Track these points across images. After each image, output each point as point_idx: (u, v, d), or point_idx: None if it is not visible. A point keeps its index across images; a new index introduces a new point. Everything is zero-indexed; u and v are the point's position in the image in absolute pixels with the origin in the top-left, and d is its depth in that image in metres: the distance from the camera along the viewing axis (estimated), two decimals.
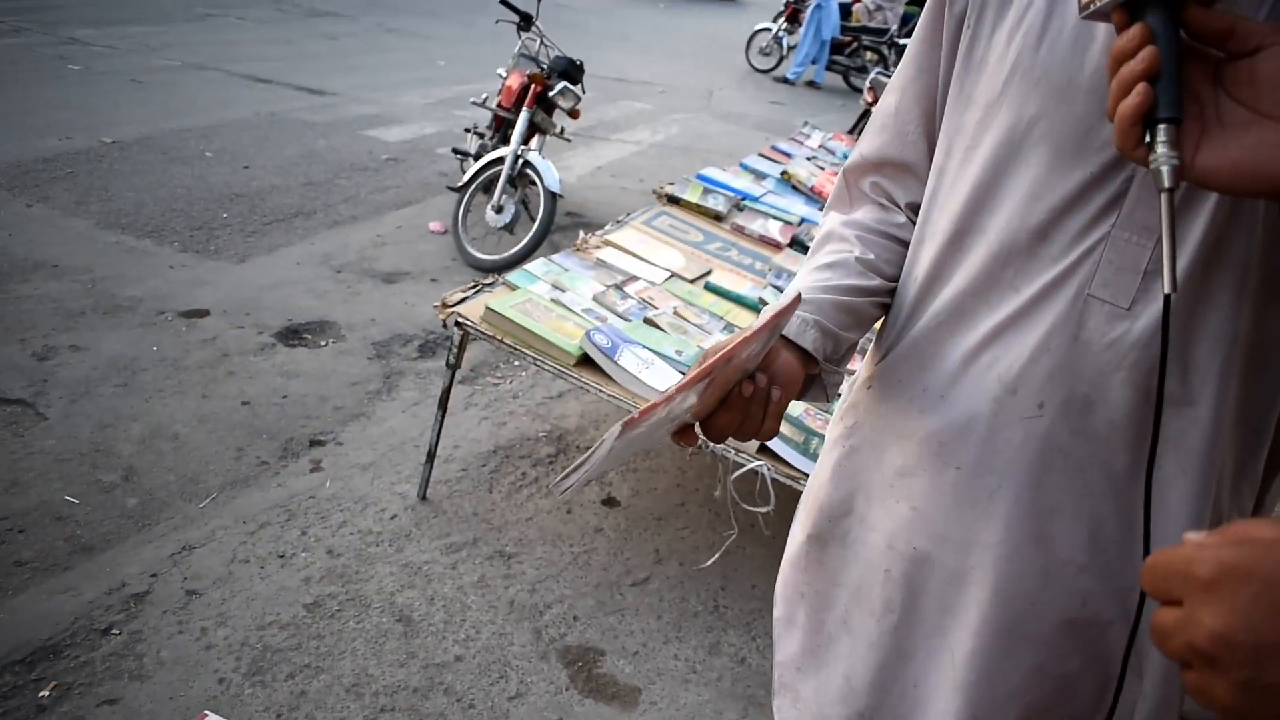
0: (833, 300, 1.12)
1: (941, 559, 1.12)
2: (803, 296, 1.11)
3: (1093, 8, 0.84)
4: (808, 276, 1.17)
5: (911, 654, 1.17)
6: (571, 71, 5.42)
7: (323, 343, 4.00)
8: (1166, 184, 0.78)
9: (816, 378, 1.13)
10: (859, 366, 1.28)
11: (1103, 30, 0.97)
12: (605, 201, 6.51)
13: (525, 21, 5.65)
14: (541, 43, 5.66)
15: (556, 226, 5.16)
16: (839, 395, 1.27)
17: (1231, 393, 1.01)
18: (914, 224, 1.20)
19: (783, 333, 1.07)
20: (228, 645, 2.37)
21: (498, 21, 6.01)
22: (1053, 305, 1.02)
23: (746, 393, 0.98)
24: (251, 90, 7.80)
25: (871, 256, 1.17)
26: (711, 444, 1.06)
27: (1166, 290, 0.79)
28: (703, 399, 0.94)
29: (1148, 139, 0.79)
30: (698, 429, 1.02)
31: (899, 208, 1.23)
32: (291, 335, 4.00)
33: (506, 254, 4.95)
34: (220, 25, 10.26)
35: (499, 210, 5.09)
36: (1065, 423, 1.02)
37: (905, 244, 1.20)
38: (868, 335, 1.30)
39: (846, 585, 1.23)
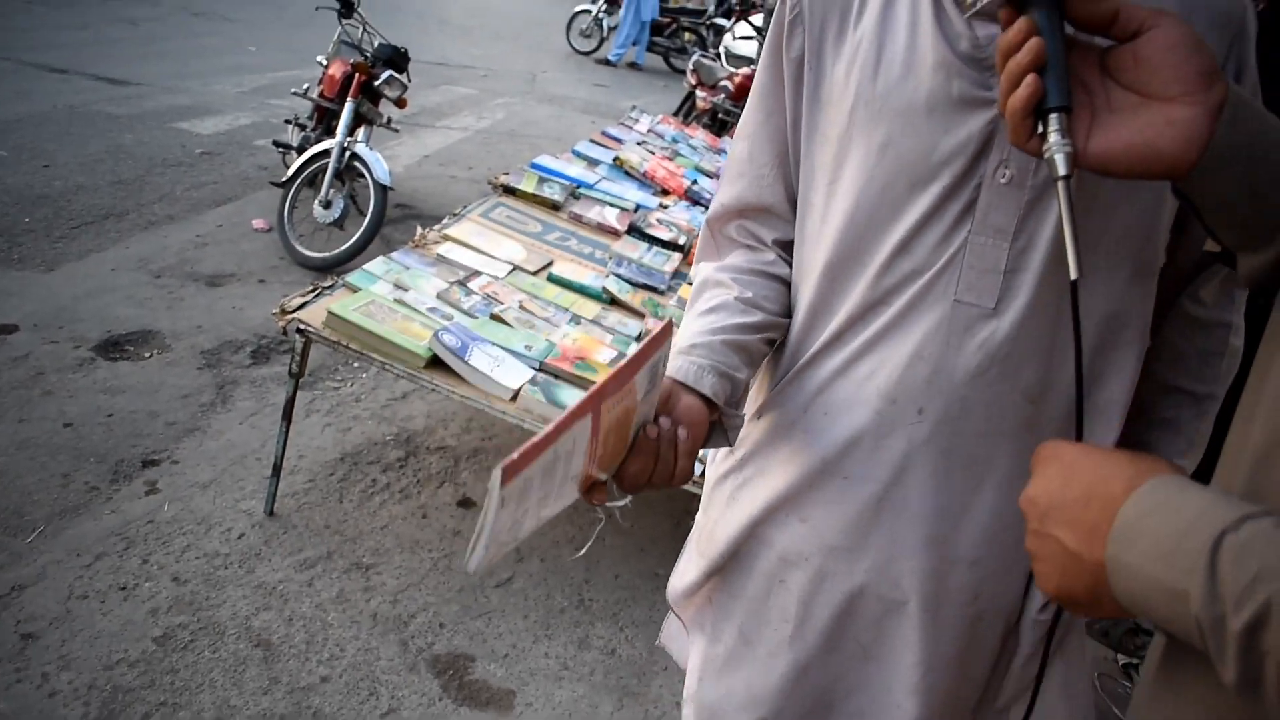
0: (723, 340, 1.14)
1: (833, 568, 1.16)
2: (694, 343, 1.13)
3: (977, 6, 0.87)
4: (693, 324, 1.19)
5: (808, 665, 1.20)
6: (397, 59, 5.28)
7: (147, 354, 3.79)
8: (1062, 172, 0.81)
9: (718, 423, 1.13)
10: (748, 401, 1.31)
11: (929, 54, 1.03)
12: (435, 191, 6.38)
13: (346, 8, 5.46)
14: (364, 30, 5.49)
15: (387, 219, 5.01)
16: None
17: (1096, 373, 1.10)
18: (784, 260, 1.25)
19: (680, 379, 1.08)
20: (74, 690, 2.22)
21: (318, 8, 5.79)
22: (923, 314, 1.07)
23: (651, 435, 0.99)
24: (47, 81, 7.28)
25: (750, 294, 1.20)
26: (628, 496, 1.06)
27: (1073, 276, 0.82)
28: (609, 451, 0.93)
29: (1040, 129, 0.82)
30: (611, 483, 1.01)
31: (767, 246, 1.26)
32: (112, 348, 3.77)
33: (337, 250, 4.80)
34: (5, 9, 9.53)
35: (327, 205, 4.92)
36: (946, 425, 1.08)
37: (779, 279, 1.24)
38: None
39: (744, 598, 1.26)
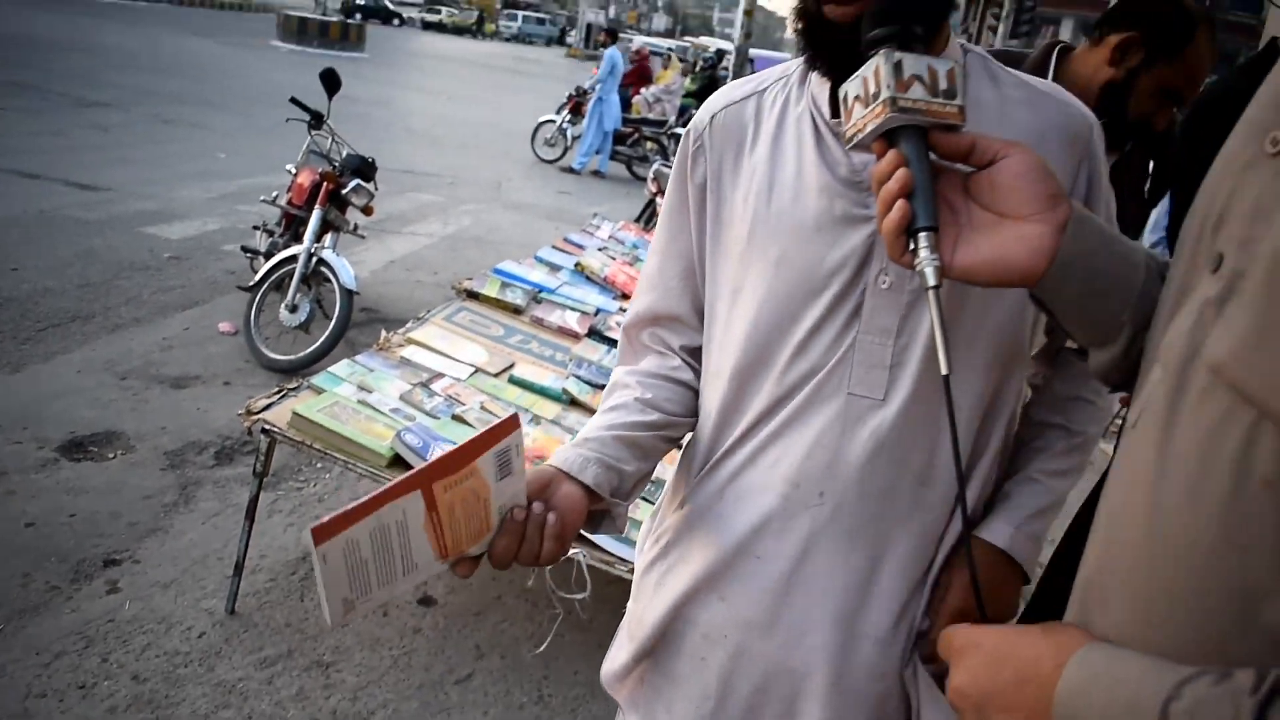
0: (614, 436, 1.26)
1: (750, 645, 1.26)
2: (587, 437, 1.25)
3: (857, 139, 1.00)
4: (594, 421, 1.31)
5: None
6: (365, 169, 5.45)
7: (110, 455, 3.83)
8: (931, 283, 0.92)
9: (607, 512, 1.24)
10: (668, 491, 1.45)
11: (814, 179, 1.20)
12: (400, 296, 6.51)
13: (316, 120, 5.65)
14: (333, 140, 5.66)
15: (352, 323, 5.12)
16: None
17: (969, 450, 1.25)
18: (689, 365, 1.39)
19: (564, 469, 1.19)
20: None
21: (288, 120, 5.96)
22: (821, 407, 1.21)
23: (518, 518, 1.08)
24: (18, 186, 7.40)
25: (650, 396, 1.34)
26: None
27: (944, 372, 0.93)
28: (466, 529, 1.03)
29: (912, 246, 0.94)
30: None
31: (674, 352, 1.40)
32: (76, 448, 3.81)
33: (302, 353, 4.89)
34: None
35: (293, 309, 5.03)
36: (845, 507, 1.20)
37: (682, 383, 1.38)
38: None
39: (673, 677, 1.35)
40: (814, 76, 1.24)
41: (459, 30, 53.59)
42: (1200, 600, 0.70)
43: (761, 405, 1.25)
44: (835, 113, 1.16)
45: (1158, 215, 5.61)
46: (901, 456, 1.19)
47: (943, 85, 0.95)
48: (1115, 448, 0.86)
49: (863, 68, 0.99)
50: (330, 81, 5.48)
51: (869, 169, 1.14)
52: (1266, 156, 0.72)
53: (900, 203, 0.93)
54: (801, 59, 1.25)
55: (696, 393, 1.38)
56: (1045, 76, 2.32)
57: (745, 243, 1.26)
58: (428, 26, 52.29)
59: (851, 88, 1.00)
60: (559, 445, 3.03)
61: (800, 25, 1.17)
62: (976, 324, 1.18)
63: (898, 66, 0.95)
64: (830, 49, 1.15)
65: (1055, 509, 1.32)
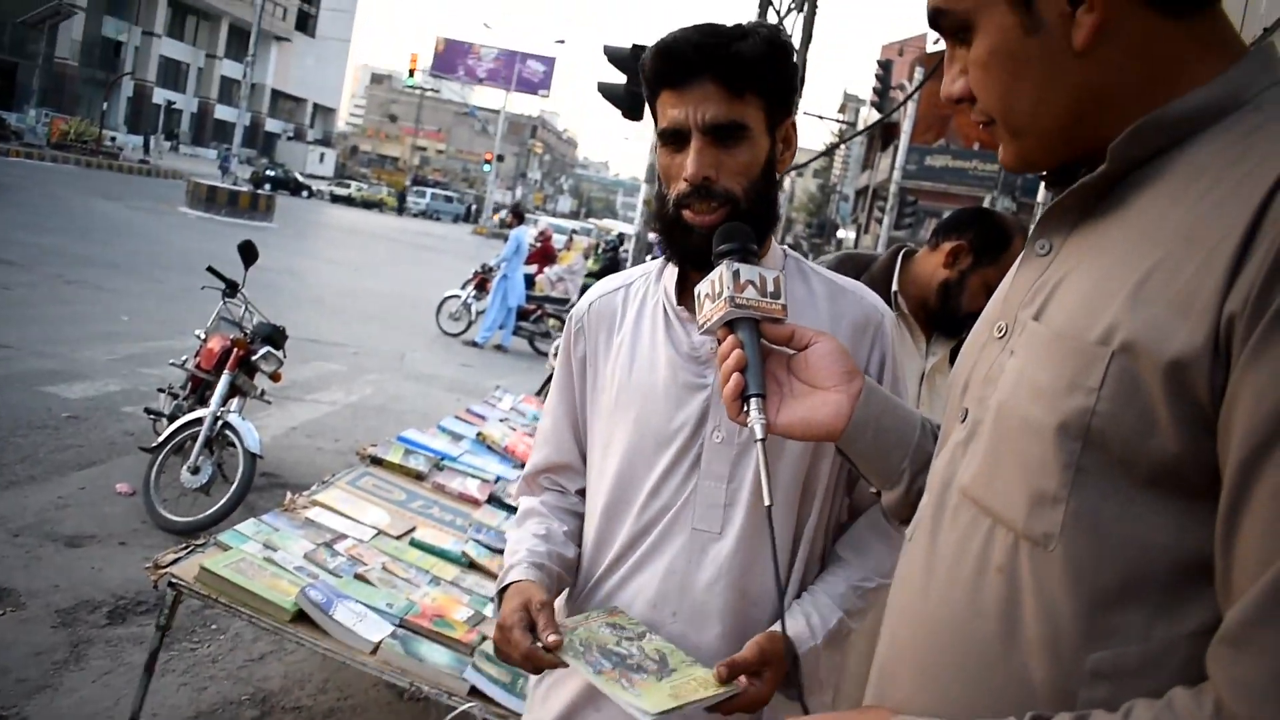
0: (557, 570, 1.59)
1: None
2: (543, 562, 1.56)
3: (707, 326, 1.32)
4: (524, 541, 1.61)
5: None
6: (275, 337, 5.63)
7: (0, 611, 3.80)
8: (759, 436, 1.21)
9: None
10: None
11: (663, 353, 1.56)
12: (301, 461, 6.58)
13: (231, 288, 5.85)
14: (246, 308, 5.84)
15: (253, 487, 5.19)
16: None
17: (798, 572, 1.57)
18: (582, 502, 1.72)
19: (512, 579, 1.51)
20: None
21: (204, 288, 6.14)
22: (672, 541, 1.52)
23: None
24: None
25: (566, 528, 1.67)
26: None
27: (767, 504, 1.21)
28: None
29: (745, 409, 1.22)
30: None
31: (571, 493, 1.74)
32: None
33: (201, 516, 4.94)
34: None
35: (195, 471, 5.09)
36: (693, 624, 1.49)
37: (580, 515, 1.71)
38: None
39: None
40: (666, 273, 1.62)
41: (368, 204, 54.58)
42: (964, 664, 0.96)
43: (625, 538, 1.55)
44: (680, 301, 1.57)
45: None
46: (734, 581, 1.49)
47: (770, 288, 1.29)
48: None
49: (711, 273, 1.32)
50: (248, 253, 5.71)
51: (705, 347, 1.52)
52: (994, 340, 1.04)
53: (736, 375, 1.23)
54: (659, 261, 1.62)
55: None
56: (892, 277, 2.72)
57: (613, 405, 1.60)
58: (337, 199, 53.17)
59: (702, 288, 1.34)
60: (458, 605, 3.17)
61: (660, 226, 1.53)
62: (793, 468, 1.51)
63: (736, 274, 1.28)
64: (684, 245, 1.52)
65: (843, 624, 1.56)
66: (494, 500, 4.40)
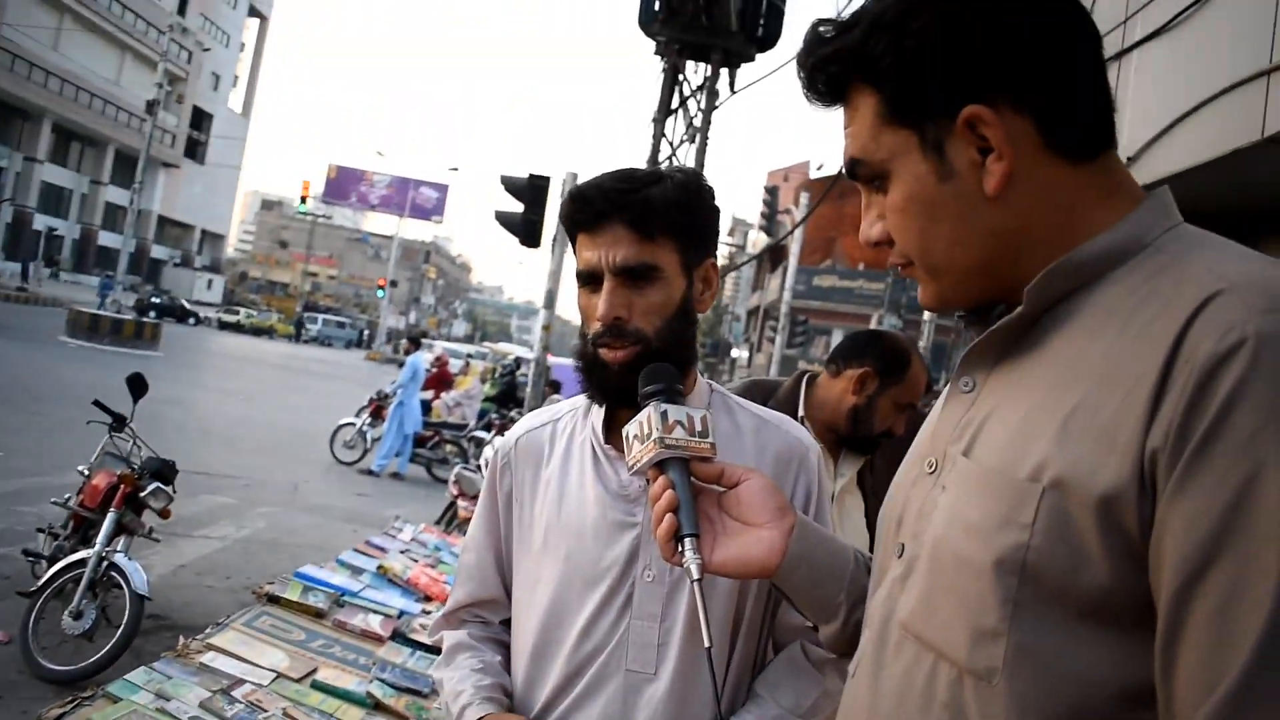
0: (506, 704, 1.57)
1: None
2: (489, 696, 1.54)
3: (637, 467, 1.32)
4: (467, 679, 1.58)
5: None
6: (165, 471, 5.45)
7: None
8: (695, 576, 1.21)
9: None
10: None
11: (591, 491, 1.55)
12: (191, 601, 6.31)
13: (119, 422, 5.66)
14: (134, 443, 5.65)
15: (139, 631, 4.95)
16: None
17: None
18: (507, 632, 1.69)
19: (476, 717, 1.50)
20: None
21: (89, 423, 5.93)
22: (606, 683, 1.49)
23: None
24: None
25: (499, 659, 1.65)
26: None
27: (706, 644, 1.21)
28: None
29: (680, 549, 1.21)
30: None
31: (495, 623, 1.72)
32: None
33: (84, 663, 4.68)
34: None
35: (77, 616, 4.84)
36: None
37: (506, 645, 1.68)
38: None
39: None
40: (593, 410, 1.62)
41: (258, 331, 53.67)
42: None
43: (557, 681, 1.51)
44: (608, 439, 1.56)
45: None
46: None
47: (698, 427, 1.30)
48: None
49: (639, 414, 1.33)
50: (137, 386, 5.56)
51: (634, 485, 1.52)
52: (925, 475, 1.07)
53: (669, 516, 1.23)
54: (585, 397, 1.63)
55: None
56: (797, 402, 2.79)
57: (541, 542, 1.58)
58: (225, 326, 52.16)
59: (631, 429, 1.34)
60: None
61: (581, 364, 1.55)
62: (723, 611, 1.51)
63: (664, 415, 1.29)
64: (602, 382, 1.54)
65: None
66: (398, 636, 4.27)
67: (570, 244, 1.59)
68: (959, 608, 0.94)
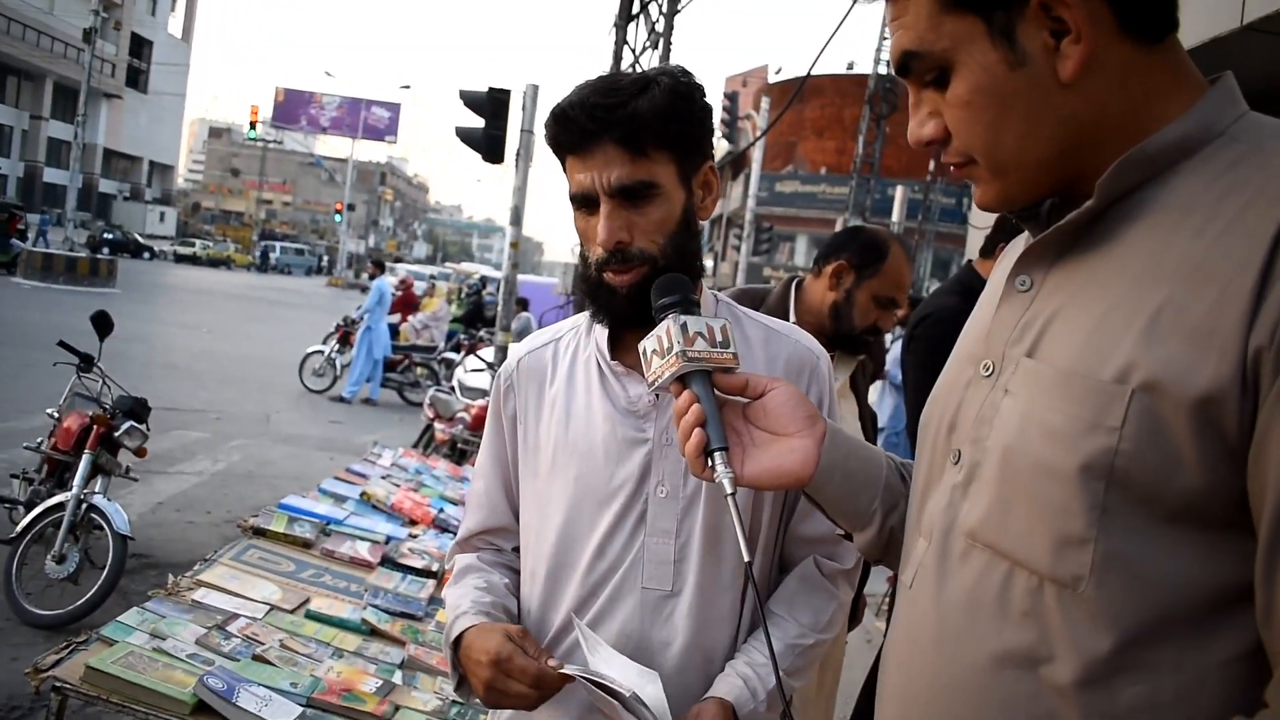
0: (502, 621, 1.52)
1: None
2: (484, 610, 1.51)
3: (659, 383, 1.26)
4: (469, 594, 1.55)
5: None
6: (138, 410, 5.37)
7: None
8: (729, 490, 1.17)
9: None
10: None
11: (599, 409, 1.51)
12: (173, 539, 6.28)
13: (86, 363, 5.54)
14: (104, 382, 5.55)
15: (124, 571, 4.91)
16: None
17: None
18: (519, 558, 1.66)
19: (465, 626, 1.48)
20: None
21: (56, 364, 5.80)
22: (623, 602, 1.46)
23: None
24: None
25: (507, 580, 1.62)
26: None
27: (746, 559, 1.17)
28: None
29: (710, 464, 1.17)
30: None
31: (507, 550, 1.69)
32: None
33: (71, 607, 4.65)
34: None
35: (60, 560, 4.79)
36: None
37: (518, 571, 1.65)
38: None
39: None
40: (597, 327, 1.56)
41: (215, 262, 52.83)
42: (991, 712, 0.95)
43: (572, 601, 1.49)
44: (615, 355, 1.52)
45: (892, 410, 6.34)
46: (692, 640, 1.45)
47: (719, 338, 1.25)
48: (890, 613, 1.13)
49: (656, 328, 1.27)
50: (102, 324, 5.44)
51: (643, 400, 1.47)
52: (980, 378, 1.02)
53: (697, 430, 1.18)
54: (587, 313, 1.57)
55: None
56: (788, 308, 2.75)
57: (550, 464, 1.54)
58: (181, 259, 51.28)
59: (648, 344, 1.28)
60: (365, 676, 3.05)
61: (585, 287, 1.49)
62: (754, 520, 1.51)
63: (684, 327, 1.23)
64: (609, 306, 1.48)
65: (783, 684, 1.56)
66: (387, 562, 4.27)
67: (561, 164, 1.51)
68: (1039, 515, 0.91)
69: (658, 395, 1.40)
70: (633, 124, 1.39)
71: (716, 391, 1.23)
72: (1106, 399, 0.87)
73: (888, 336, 5.25)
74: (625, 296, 1.43)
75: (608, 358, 1.55)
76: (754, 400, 1.23)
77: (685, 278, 1.37)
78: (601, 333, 1.56)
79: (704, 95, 1.49)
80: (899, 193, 17.28)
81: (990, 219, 4.55)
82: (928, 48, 0.97)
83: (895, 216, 16.98)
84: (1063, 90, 0.93)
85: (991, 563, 0.96)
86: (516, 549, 1.67)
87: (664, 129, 1.42)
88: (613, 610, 1.47)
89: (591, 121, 1.40)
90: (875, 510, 1.22)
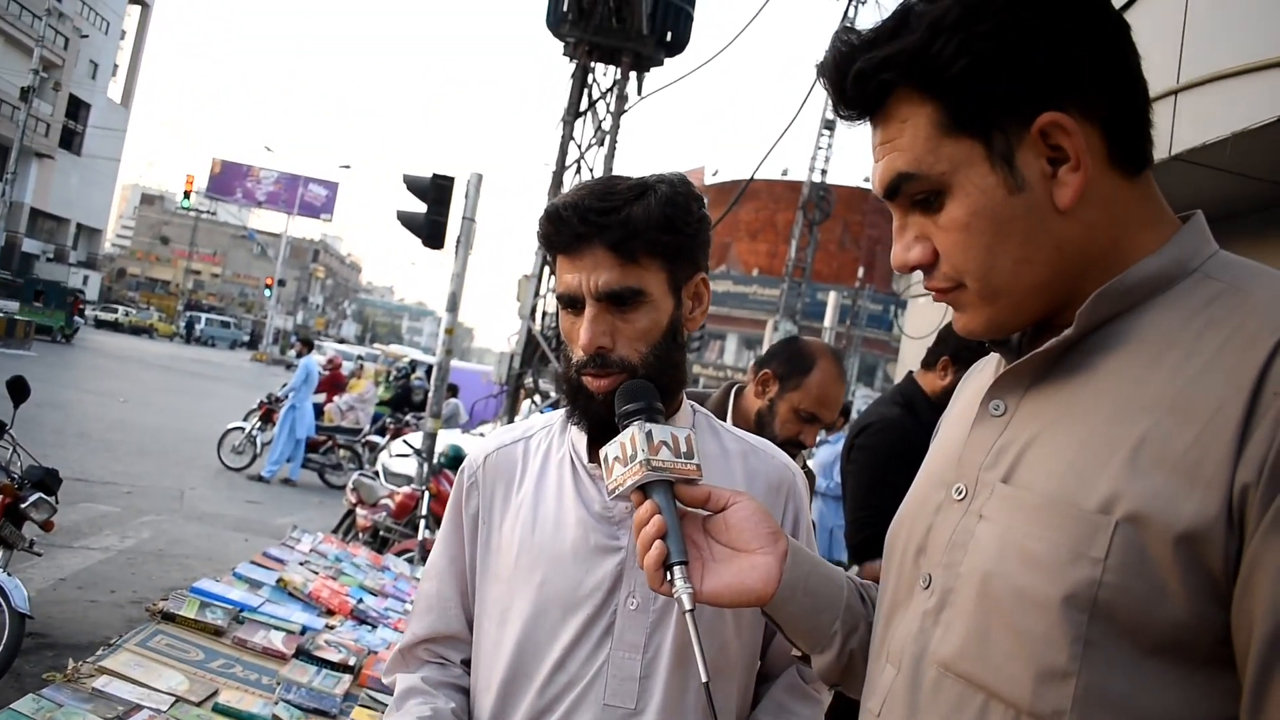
0: None
1: None
2: None
3: (619, 490, 1.24)
4: None
5: None
6: (48, 481, 5.16)
7: None
8: (687, 606, 1.13)
9: None
10: None
11: (571, 513, 1.44)
12: (73, 618, 5.99)
13: None
14: (14, 450, 5.33)
15: (19, 651, 4.66)
16: None
17: None
18: (467, 674, 1.55)
19: None
20: None
21: None
22: (581, 719, 1.37)
23: None
24: None
25: (454, 705, 1.49)
26: None
27: (704, 680, 1.12)
28: None
29: (669, 578, 1.14)
30: None
31: (455, 664, 1.57)
32: None
33: None
34: None
35: None
36: None
37: (465, 691, 1.54)
38: None
39: None
40: (573, 427, 1.50)
41: (137, 330, 51.70)
42: None
43: (525, 717, 1.40)
44: (592, 458, 1.44)
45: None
46: None
47: (683, 448, 1.23)
48: None
49: (620, 435, 1.25)
50: (18, 390, 5.26)
51: (619, 507, 1.41)
52: (952, 502, 1.01)
53: (657, 543, 1.15)
54: (564, 411, 1.52)
55: None
56: (727, 411, 2.75)
57: (512, 568, 1.46)
58: (102, 325, 50.11)
59: (611, 450, 1.25)
60: None
61: (564, 388, 1.45)
62: (706, 642, 1.44)
63: (649, 435, 1.21)
64: (587, 409, 1.43)
65: None
66: (302, 654, 4.10)
67: (548, 264, 1.49)
68: (1019, 646, 0.90)
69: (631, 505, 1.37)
70: (625, 230, 1.38)
71: (678, 503, 1.19)
72: (1090, 529, 0.86)
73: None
74: (602, 402, 1.39)
75: (584, 459, 1.50)
76: (715, 513, 1.21)
77: (650, 385, 1.35)
78: (580, 434, 1.52)
79: (702, 206, 1.48)
80: (832, 298, 17.59)
81: (927, 328, 4.63)
82: (925, 170, 0.97)
83: (828, 321, 17.23)
84: (1059, 217, 0.94)
85: (966, 694, 0.94)
86: (465, 662, 1.58)
87: (657, 238, 1.40)
88: None
89: (583, 224, 1.38)
90: (836, 632, 1.20)
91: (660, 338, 1.44)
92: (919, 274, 1.00)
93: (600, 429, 1.42)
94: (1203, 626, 0.83)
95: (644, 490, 1.20)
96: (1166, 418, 0.86)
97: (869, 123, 1.02)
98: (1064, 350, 0.97)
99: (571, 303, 1.44)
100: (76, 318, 34.84)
